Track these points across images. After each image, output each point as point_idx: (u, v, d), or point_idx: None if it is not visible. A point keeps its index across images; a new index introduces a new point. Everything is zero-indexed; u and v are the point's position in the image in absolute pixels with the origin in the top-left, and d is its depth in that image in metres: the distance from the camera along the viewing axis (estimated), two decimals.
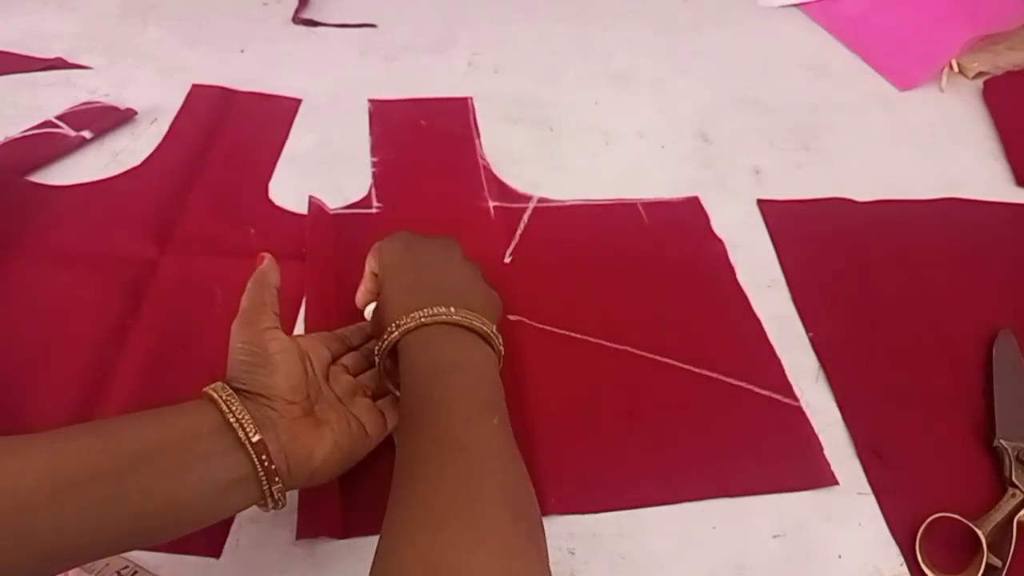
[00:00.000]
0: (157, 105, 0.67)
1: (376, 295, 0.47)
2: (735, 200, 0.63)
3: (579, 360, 0.51)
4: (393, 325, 0.42)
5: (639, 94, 0.74)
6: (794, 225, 0.61)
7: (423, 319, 0.41)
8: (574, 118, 0.70)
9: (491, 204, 0.61)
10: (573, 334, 0.52)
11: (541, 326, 0.53)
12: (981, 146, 0.71)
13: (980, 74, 0.78)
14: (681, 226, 0.61)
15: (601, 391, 0.50)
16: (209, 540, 0.41)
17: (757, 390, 0.50)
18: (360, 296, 0.49)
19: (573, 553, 0.43)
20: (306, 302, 0.52)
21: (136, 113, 0.66)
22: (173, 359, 0.49)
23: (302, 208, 0.59)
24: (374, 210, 0.60)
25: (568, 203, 0.62)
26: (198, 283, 0.53)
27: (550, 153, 0.66)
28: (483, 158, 0.65)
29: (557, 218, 0.61)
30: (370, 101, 0.69)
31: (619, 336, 0.52)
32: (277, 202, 0.60)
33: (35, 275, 0.53)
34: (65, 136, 0.63)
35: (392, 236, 0.49)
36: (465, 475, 0.35)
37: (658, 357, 0.51)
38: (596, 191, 0.63)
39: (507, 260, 0.57)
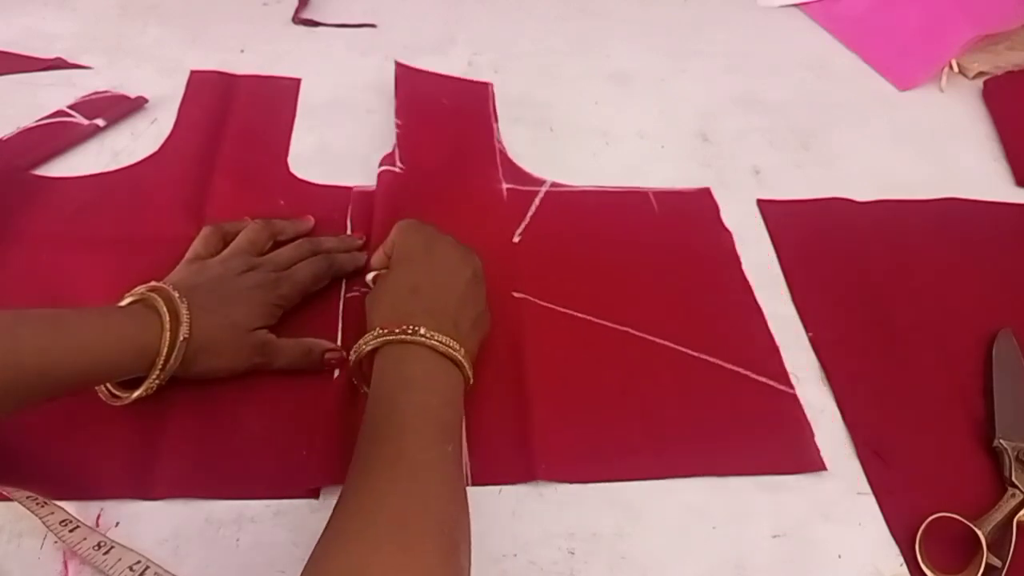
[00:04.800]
0: (157, 105, 0.67)
1: (385, 267, 0.49)
2: (735, 200, 0.63)
3: (579, 338, 0.52)
4: (376, 331, 0.43)
5: (639, 94, 0.74)
6: (794, 225, 0.61)
7: (404, 336, 0.42)
8: (574, 118, 0.70)
9: (504, 186, 0.62)
10: (575, 313, 0.53)
11: (545, 304, 0.54)
12: (981, 146, 0.72)
13: (980, 74, 0.78)
14: (691, 216, 0.61)
15: (599, 368, 0.51)
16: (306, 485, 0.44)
17: (754, 376, 0.51)
18: (375, 259, 0.51)
19: (573, 553, 0.43)
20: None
21: (147, 100, 0.66)
22: None
23: None
24: (398, 169, 0.61)
25: (580, 189, 0.63)
26: None
27: (550, 153, 0.66)
28: (499, 142, 0.66)
29: (568, 202, 0.62)
30: (396, 63, 0.70)
31: (620, 317, 0.53)
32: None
33: (77, 263, 0.53)
34: (79, 124, 0.63)
35: (419, 226, 0.50)
36: (411, 495, 0.36)
37: (658, 339, 0.52)
38: None
39: (516, 240, 0.58)
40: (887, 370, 0.52)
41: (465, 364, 0.43)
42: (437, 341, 0.42)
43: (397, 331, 0.42)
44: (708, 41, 0.81)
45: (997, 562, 0.43)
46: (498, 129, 0.67)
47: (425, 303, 0.45)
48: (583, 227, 0.60)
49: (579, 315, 0.53)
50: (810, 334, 0.54)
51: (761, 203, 0.63)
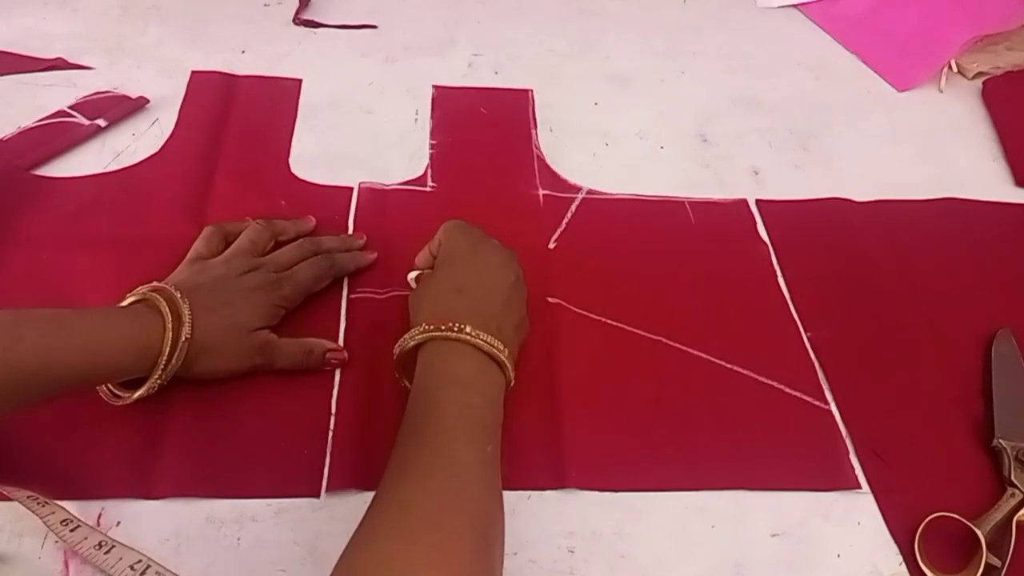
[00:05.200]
0: (159, 105, 0.67)
1: (430, 264, 0.49)
2: None
3: (612, 346, 0.52)
4: (422, 327, 0.43)
5: (639, 94, 0.74)
6: (793, 225, 0.62)
7: (449, 334, 0.42)
8: (574, 118, 0.70)
9: (541, 192, 0.62)
10: (609, 320, 0.54)
11: (578, 310, 0.54)
12: (980, 146, 0.72)
13: (980, 74, 0.78)
14: (727, 226, 0.61)
15: (631, 377, 0.51)
16: (307, 484, 0.44)
17: (788, 390, 0.51)
18: (420, 259, 0.51)
19: (573, 552, 0.43)
20: None
21: (148, 101, 0.66)
22: None
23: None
24: (428, 189, 0.62)
25: (616, 196, 0.63)
26: None
27: (550, 154, 0.66)
28: (537, 147, 0.66)
29: (604, 210, 0.62)
30: (434, 87, 0.71)
31: (654, 327, 0.53)
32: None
33: (78, 263, 0.53)
34: (80, 125, 0.63)
35: (467, 227, 0.50)
36: (448, 493, 0.36)
37: (691, 350, 0.52)
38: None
39: (552, 246, 0.58)
40: (886, 370, 0.53)
41: (508, 365, 0.44)
42: (482, 340, 0.43)
43: (443, 328, 0.43)
44: (708, 42, 0.81)
45: (996, 562, 0.43)
46: (537, 136, 0.68)
47: (471, 303, 0.45)
48: (618, 235, 0.60)
49: (613, 323, 0.53)
50: (809, 334, 0.54)
51: (760, 203, 0.63)
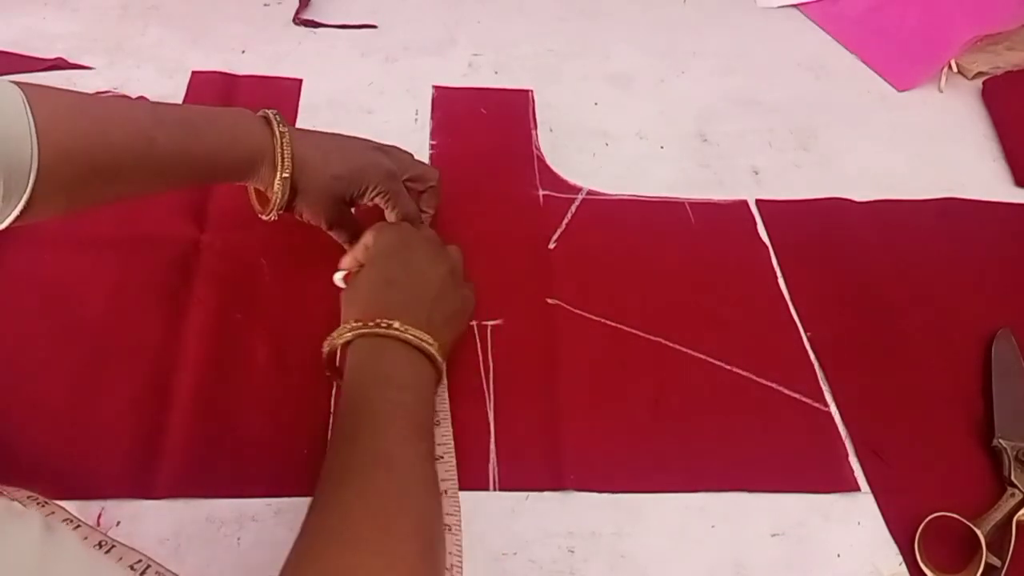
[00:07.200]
0: None
1: (357, 267, 0.49)
2: None
3: (612, 347, 0.52)
4: (351, 324, 0.43)
5: (639, 94, 0.74)
6: (793, 225, 0.62)
7: (378, 330, 0.42)
8: (574, 118, 0.70)
9: (541, 192, 0.62)
10: (608, 322, 0.54)
11: (578, 311, 0.54)
12: (980, 146, 0.72)
13: (980, 74, 0.78)
14: (727, 228, 0.61)
15: (630, 378, 0.51)
16: (307, 484, 0.43)
17: (787, 392, 0.51)
18: (345, 261, 0.50)
19: (573, 552, 0.43)
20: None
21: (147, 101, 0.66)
22: (234, 326, 0.51)
23: None
24: None
25: (617, 197, 0.63)
26: (243, 256, 0.55)
27: (550, 154, 0.66)
28: (537, 148, 0.66)
29: (604, 210, 0.62)
30: (434, 87, 0.71)
31: (653, 328, 0.53)
32: None
33: (77, 263, 0.53)
34: None
35: (397, 226, 0.50)
36: (389, 494, 0.36)
37: (691, 351, 0.52)
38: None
39: (552, 246, 0.58)
40: (886, 370, 0.53)
41: (438, 358, 0.43)
42: (411, 335, 0.42)
43: (371, 324, 0.42)
44: (707, 42, 0.81)
45: (996, 561, 0.43)
46: (537, 136, 0.68)
47: (401, 295, 0.45)
48: (618, 236, 0.60)
49: (612, 324, 0.53)
50: (808, 334, 0.54)
51: (760, 203, 0.63)
